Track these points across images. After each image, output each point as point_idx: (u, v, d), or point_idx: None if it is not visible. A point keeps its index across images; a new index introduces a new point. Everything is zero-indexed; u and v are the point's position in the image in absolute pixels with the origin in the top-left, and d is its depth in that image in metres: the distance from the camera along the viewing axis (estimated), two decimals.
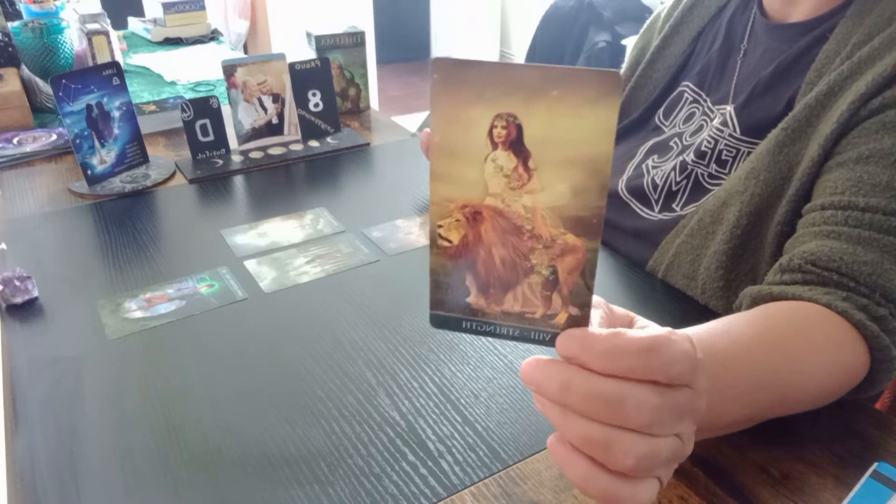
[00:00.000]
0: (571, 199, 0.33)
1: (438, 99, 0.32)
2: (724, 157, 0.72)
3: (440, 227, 0.35)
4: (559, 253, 0.34)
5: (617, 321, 0.39)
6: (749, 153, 0.69)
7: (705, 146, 0.73)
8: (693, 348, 0.35)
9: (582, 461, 0.35)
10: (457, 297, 0.36)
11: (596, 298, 0.37)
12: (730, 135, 0.71)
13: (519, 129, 0.31)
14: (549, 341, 0.36)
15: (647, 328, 0.37)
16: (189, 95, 1.41)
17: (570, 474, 0.35)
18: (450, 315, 0.37)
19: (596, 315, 0.37)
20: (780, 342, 0.48)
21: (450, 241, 0.35)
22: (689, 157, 0.75)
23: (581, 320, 0.35)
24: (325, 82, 1.10)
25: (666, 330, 0.35)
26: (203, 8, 1.87)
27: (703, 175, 0.74)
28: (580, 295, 0.35)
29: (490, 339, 0.62)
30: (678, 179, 0.76)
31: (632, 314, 0.40)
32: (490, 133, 0.32)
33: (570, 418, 0.35)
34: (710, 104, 0.77)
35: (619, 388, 0.33)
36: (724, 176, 0.72)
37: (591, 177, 0.32)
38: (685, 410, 0.35)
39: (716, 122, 0.74)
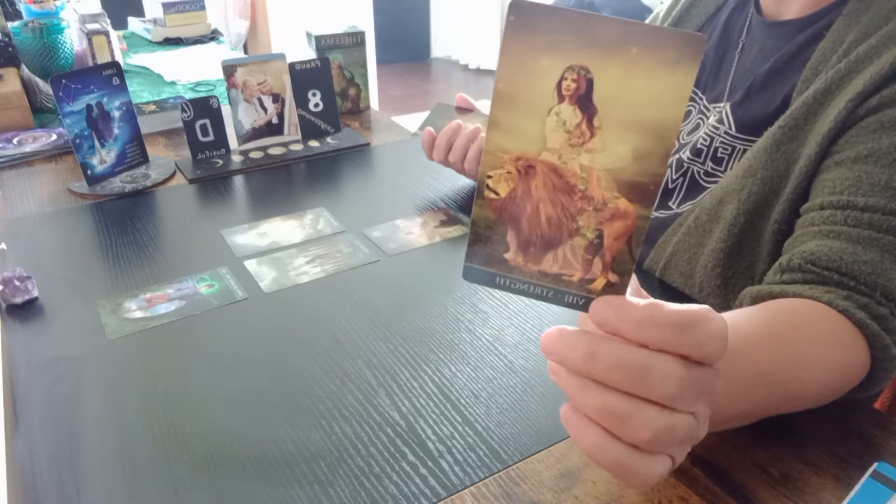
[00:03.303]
0: (632, 162, 0.31)
1: (510, 43, 0.30)
2: (719, 155, 0.72)
3: (489, 177, 0.33)
4: (609, 217, 0.33)
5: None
6: (745, 150, 0.69)
7: (701, 144, 0.73)
8: (727, 329, 0.35)
9: (596, 429, 0.35)
10: (494, 251, 0.35)
11: None
12: (725, 132, 0.71)
13: (590, 83, 0.30)
14: (583, 306, 0.35)
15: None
16: (189, 95, 1.41)
17: (582, 443, 0.35)
18: (484, 269, 0.36)
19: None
20: (783, 338, 0.48)
21: (497, 194, 0.34)
22: (685, 154, 0.75)
23: (618, 288, 0.35)
24: (325, 82, 1.10)
25: (704, 307, 0.34)
26: (203, 8, 1.88)
27: (699, 173, 0.74)
28: (623, 262, 0.34)
29: (491, 335, 0.62)
30: (674, 177, 0.76)
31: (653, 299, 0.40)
32: (559, 85, 0.30)
33: (589, 389, 0.34)
34: (705, 102, 0.77)
35: (647, 358, 0.33)
36: (720, 173, 0.72)
37: (656, 142, 0.31)
38: (705, 389, 0.35)
39: (711, 119, 0.74)
